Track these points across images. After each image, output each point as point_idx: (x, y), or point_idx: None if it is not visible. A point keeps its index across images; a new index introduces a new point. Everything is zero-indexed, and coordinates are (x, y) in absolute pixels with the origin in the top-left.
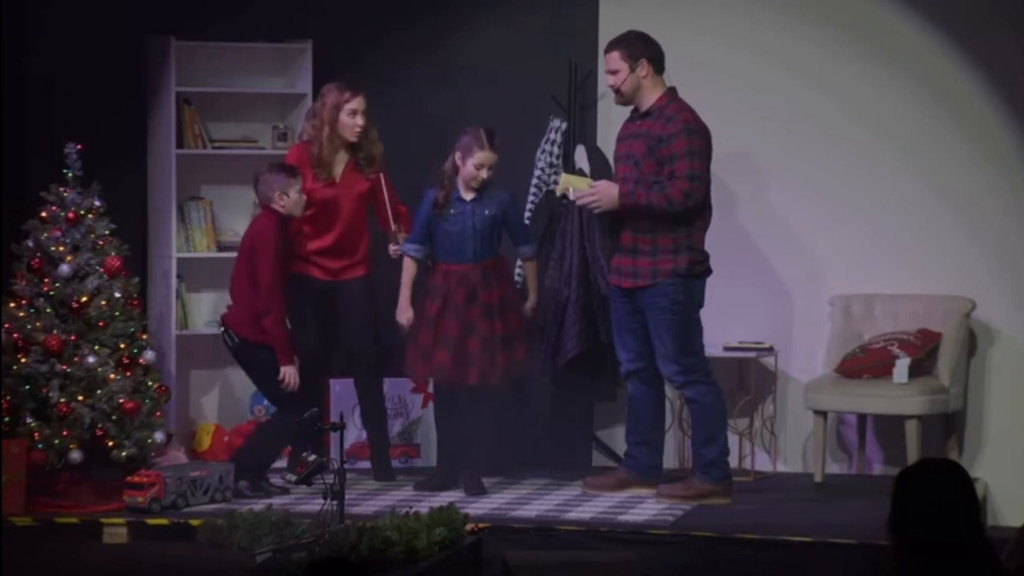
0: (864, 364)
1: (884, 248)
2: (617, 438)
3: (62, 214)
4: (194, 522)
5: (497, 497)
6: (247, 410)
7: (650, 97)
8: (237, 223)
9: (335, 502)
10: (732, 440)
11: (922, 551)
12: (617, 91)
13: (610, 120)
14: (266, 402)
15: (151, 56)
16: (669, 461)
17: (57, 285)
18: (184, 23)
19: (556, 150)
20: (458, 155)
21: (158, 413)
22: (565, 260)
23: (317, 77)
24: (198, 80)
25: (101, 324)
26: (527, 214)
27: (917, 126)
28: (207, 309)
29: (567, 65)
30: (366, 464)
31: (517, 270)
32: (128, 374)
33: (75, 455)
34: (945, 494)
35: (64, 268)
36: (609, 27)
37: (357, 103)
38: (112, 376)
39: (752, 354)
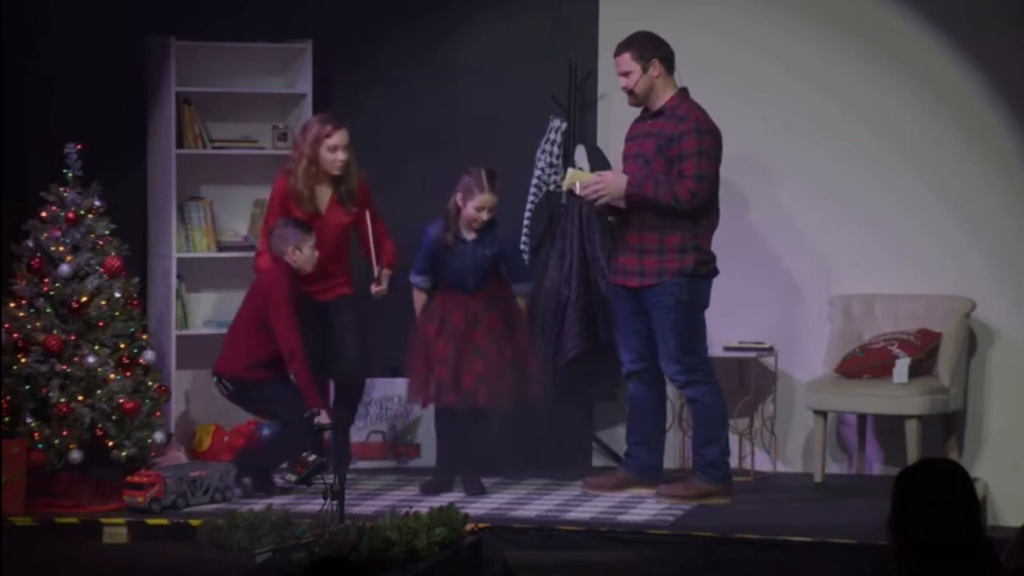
0: (864, 364)
1: (884, 248)
2: (617, 438)
3: (62, 214)
4: (194, 522)
5: (497, 497)
6: None
7: (662, 97)
8: (237, 223)
9: (335, 502)
10: (732, 440)
11: (922, 551)
12: (630, 92)
13: (610, 120)
14: None
15: (151, 56)
16: (669, 461)
17: (57, 285)
18: (184, 23)
19: (556, 150)
20: (459, 196)
21: (158, 413)
22: (565, 260)
23: (317, 77)
24: (198, 80)
25: (101, 324)
26: (527, 214)
27: (917, 126)
28: (207, 309)
29: (567, 65)
30: (367, 464)
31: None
32: (128, 374)
33: (75, 455)
34: (945, 494)
35: (64, 268)
36: (609, 27)
37: (338, 138)
38: (112, 376)
39: (752, 354)
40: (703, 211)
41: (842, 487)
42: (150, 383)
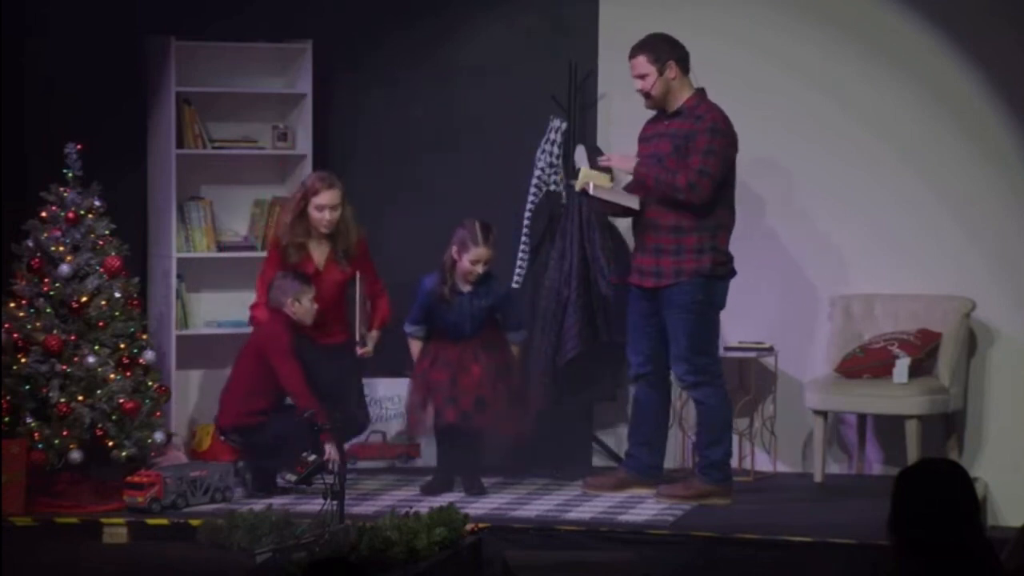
0: (864, 364)
1: (884, 248)
2: (617, 438)
3: (62, 214)
4: (194, 522)
5: (497, 497)
6: None
7: (679, 98)
8: (237, 223)
9: (335, 502)
10: (732, 440)
11: (922, 551)
12: (647, 95)
13: (610, 120)
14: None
15: (151, 56)
16: (669, 461)
17: (57, 285)
18: (184, 23)
19: (556, 150)
20: (454, 249)
21: (158, 413)
22: (565, 260)
23: (317, 77)
24: (198, 80)
25: (101, 324)
26: (527, 214)
27: (917, 126)
28: (207, 309)
29: (567, 65)
30: (367, 464)
31: (517, 271)
32: (128, 374)
33: (75, 455)
34: (945, 494)
35: (64, 268)
36: (609, 27)
37: (325, 198)
38: (112, 376)
39: (752, 354)
40: (706, 209)
41: (842, 487)
42: (150, 383)
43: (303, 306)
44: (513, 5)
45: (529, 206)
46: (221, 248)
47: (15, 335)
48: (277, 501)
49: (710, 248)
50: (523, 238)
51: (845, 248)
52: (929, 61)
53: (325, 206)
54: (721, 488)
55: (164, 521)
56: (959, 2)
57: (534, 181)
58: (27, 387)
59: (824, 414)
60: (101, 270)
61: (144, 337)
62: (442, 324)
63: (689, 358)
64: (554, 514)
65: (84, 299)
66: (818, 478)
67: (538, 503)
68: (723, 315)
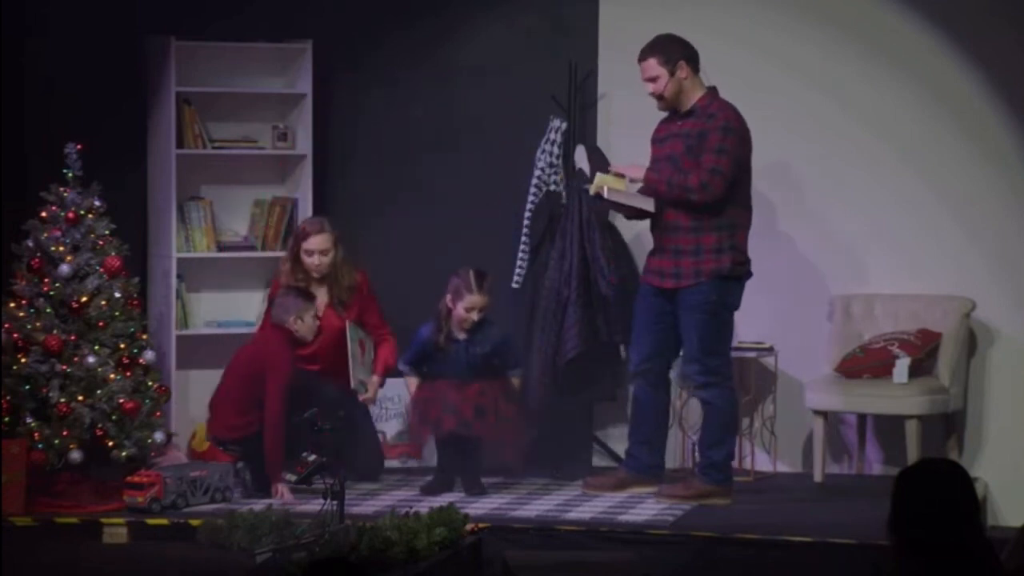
0: (864, 364)
1: (884, 248)
2: (617, 438)
3: (62, 214)
4: (194, 522)
5: (497, 497)
6: None
7: (692, 97)
8: (237, 223)
9: (335, 502)
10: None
11: (922, 551)
12: (660, 97)
13: (610, 120)
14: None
15: (151, 56)
16: (669, 461)
17: (57, 285)
18: (184, 23)
19: (556, 150)
20: (449, 298)
21: (158, 413)
22: (565, 260)
23: (317, 77)
24: (198, 80)
25: (101, 324)
26: (527, 214)
27: (917, 126)
28: (207, 309)
29: (567, 65)
30: None
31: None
32: (128, 374)
33: (75, 455)
34: (945, 494)
35: (64, 268)
36: (609, 27)
37: (313, 243)
38: (112, 376)
39: (752, 354)
40: (719, 208)
41: (842, 487)
42: (150, 383)
43: (306, 323)
44: (513, 5)
45: (529, 206)
46: (221, 248)
47: (15, 335)
48: (277, 501)
49: (729, 248)
50: (523, 238)
51: (845, 248)
52: (929, 61)
53: (314, 251)
54: (721, 488)
55: (164, 521)
56: (959, 2)
57: (534, 181)
58: (27, 387)
59: (824, 414)
60: (101, 270)
61: (144, 337)
62: (439, 372)
63: (700, 358)
64: (554, 514)
65: (84, 299)
66: (818, 478)
67: (538, 503)
68: None
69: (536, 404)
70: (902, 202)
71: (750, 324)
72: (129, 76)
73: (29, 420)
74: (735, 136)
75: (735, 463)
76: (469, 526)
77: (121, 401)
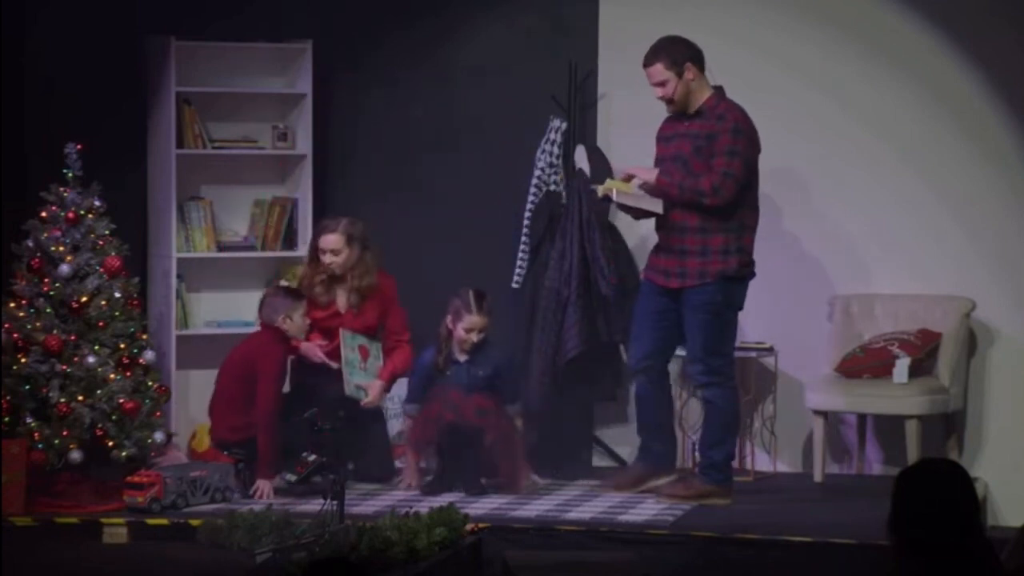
0: (864, 364)
1: (884, 248)
2: (617, 438)
3: (62, 214)
4: (194, 522)
5: (497, 497)
6: None
7: (699, 98)
8: (237, 223)
9: (335, 502)
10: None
11: (922, 551)
12: (670, 101)
13: (610, 120)
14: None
15: (151, 56)
16: None
17: (57, 285)
18: (184, 23)
19: (556, 150)
20: (449, 319)
21: (158, 413)
22: (565, 260)
23: (317, 77)
24: (198, 80)
25: (101, 324)
26: (527, 214)
27: (917, 126)
28: (207, 309)
29: (567, 65)
30: None
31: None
32: (128, 374)
33: (75, 455)
34: (945, 494)
35: (64, 268)
36: (609, 27)
37: (325, 242)
38: (112, 376)
39: (752, 354)
40: (729, 210)
41: (842, 487)
42: (150, 383)
43: (295, 322)
44: (513, 5)
45: (529, 206)
46: (221, 248)
47: (15, 335)
48: (277, 501)
49: (736, 249)
50: (523, 238)
51: (845, 248)
52: (929, 61)
53: (326, 250)
54: (721, 488)
55: (164, 521)
56: (959, 2)
57: (534, 181)
58: (27, 387)
59: (824, 414)
60: (101, 270)
61: (144, 337)
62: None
63: (703, 358)
64: (554, 514)
65: (84, 299)
66: (818, 478)
67: (538, 503)
68: None
69: (536, 404)
70: (902, 202)
71: (751, 324)
72: (129, 76)
73: (29, 420)
74: (745, 138)
75: (735, 463)
76: (469, 526)
77: (121, 401)
